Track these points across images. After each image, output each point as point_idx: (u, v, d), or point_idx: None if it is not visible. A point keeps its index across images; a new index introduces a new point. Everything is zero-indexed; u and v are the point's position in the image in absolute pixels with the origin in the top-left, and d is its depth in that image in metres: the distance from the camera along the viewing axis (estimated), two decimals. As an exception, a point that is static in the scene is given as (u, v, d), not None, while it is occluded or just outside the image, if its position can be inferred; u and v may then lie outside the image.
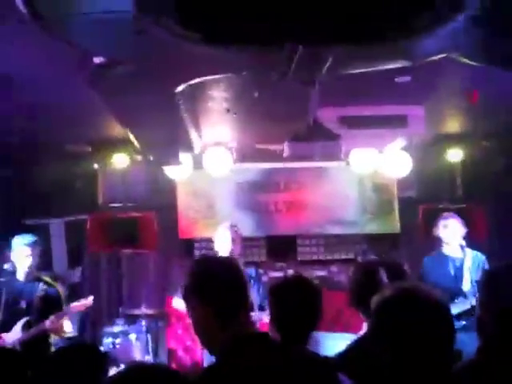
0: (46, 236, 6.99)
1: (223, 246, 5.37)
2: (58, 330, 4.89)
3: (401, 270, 3.04)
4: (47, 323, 4.75)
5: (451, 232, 5.33)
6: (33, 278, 4.96)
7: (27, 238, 4.92)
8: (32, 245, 4.90)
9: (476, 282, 5.12)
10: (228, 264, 2.21)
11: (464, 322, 4.59)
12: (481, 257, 5.34)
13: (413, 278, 4.93)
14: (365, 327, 2.91)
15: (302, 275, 2.91)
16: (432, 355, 1.78)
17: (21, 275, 4.93)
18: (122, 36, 3.30)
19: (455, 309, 4.67)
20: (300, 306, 2.61)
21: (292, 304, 2.63)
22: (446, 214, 5.51)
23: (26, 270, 4.89)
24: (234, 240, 5.36)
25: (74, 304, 5.06)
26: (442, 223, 5.39)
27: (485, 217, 6.41)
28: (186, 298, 2.14)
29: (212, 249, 5.64)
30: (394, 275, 2.91)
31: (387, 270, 2.95)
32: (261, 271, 6.06)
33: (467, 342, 2.26)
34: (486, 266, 5.26)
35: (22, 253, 4.88)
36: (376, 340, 1.85)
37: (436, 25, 2.97)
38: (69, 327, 5.12)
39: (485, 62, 3.52)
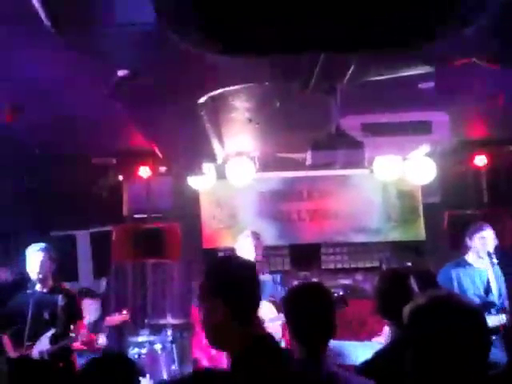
0: (72, 247, 7.07)
1: (245, 254, 5.35)
2: (92, 343, 4.93)
3: (431, 277, 3.01)
4: (80, 336, 4.78)
5: (488, 244, 5.19)
6: (53, 288, 4.98)
7: (38, 245, 4.96)
8: (43, 251, 4.92)
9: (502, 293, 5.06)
10: (246, 265, 2.24)
11: (494, 337, 4.49)
12: (498, 267, 5.23)
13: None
14: (386, 334, 2.88)
15: (315, 282, 2.88)
16: (465, 365, 1.74)
17: (39, 285, 4.93)
18: (144, 48, 3.34)
19: (489, 320, 4.57)
20: (313, 313, 2.57)
21: (305, 311, 2.59)
22: (480, 224, 5.35)
23: (40, 277, 4.89)
24: (256, 247, 5.35)
25: (110, 317, 5.08)
26: (478, 234, 5.22)
27: (512, 222, 6.32)
28: (203, 297, 2.14)
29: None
30: (424, 283, 2.88)
31: (417, 278, 2.92)
32: (286, 279, 6.06)
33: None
34: (501, 274, 5.18)
35: (32, 260, 4.90)
36: (407, 349, 1.82)
37: (459, 29, 2.94)
38: (103, 340, 5.13)
39: (508, 65, 3.48)
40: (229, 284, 2.10)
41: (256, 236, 5.44)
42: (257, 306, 2.16)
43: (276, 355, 2.05)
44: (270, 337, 2.15)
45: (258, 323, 2.16)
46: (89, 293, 6.18)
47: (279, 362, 2.02)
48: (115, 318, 5.05)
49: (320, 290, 2.70)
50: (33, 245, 4.98)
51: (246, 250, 5.36)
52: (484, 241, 5.19)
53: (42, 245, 4.97)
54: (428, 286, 2.76)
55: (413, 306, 1.86)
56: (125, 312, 5.09)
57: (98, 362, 2.58)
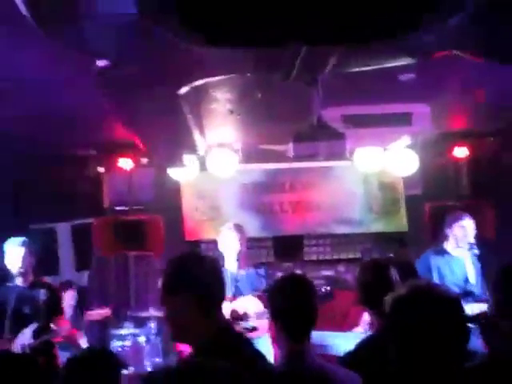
0: (52, 240, 7.01)
1: (228, 247, 5.32)
2: (73, 337, 4.90)
3: (411, 268, 3.04)
4: (61, 330, 4.75)
5: (468, 232, 5.23)
6: (34, 283, 4.92)
7: (18, 239, 4.89)
8: (23, 245, 4.86)
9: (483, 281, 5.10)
10: (208, 259, 2.30)
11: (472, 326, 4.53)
12: (472, 253, 5.27)
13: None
14: (365, 322, 2.91)
15: (298, 274, 2.91)
16: (446, 354, 1.76)
17: (19, 280, 4.88)
18: (124, 38, 3.31)
19: (468, 309, 4.62)
20: (294, 303, 2.60)
21: (286, 302, 2.61)
22: (459, 213, 5.39)
23: (21, 272, 4.84)
24: (240, 240, 5.27)
25: (90, 312, 5.05)
26: (458, 223, 5.26)
27: (493, 213, 6.38)
28: (166, 294, 2.20)
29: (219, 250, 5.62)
30: (404, 274, 2.90)
31: (398, 269, 2.94)
32: (270, 271, 6.04)
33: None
34: (477, 262, 5.23)
35: (13, 254, 4.83)
36: (390, 338, 1.84)
37: (439, 21, 2.95)
38: (83, 340, 5.10)
39: (488, 58, 3.50)
40: (191, 279, 2.14)
41: (239, 228, 5.37)
42: (220, 299, 2.22)
43: (239, 346, 2.12)
44: (232, 329, 2.26)
45: (222, 317, 2.23)
46: (70, 284, 6.15)
47: (242, 353, 2.07)
48: (95, 313, 5.03)
49: (302, 281, 2.72)
50: (12, 239, 4.91)
51: (229, 242, 5.30)
52: (464, 230, 5.23)
53: (22, 239, 4.91)
54: (408, 277, 2.78)
55: (394, 296, 1.89)
56: (106, 310, 5.06)
57: (79, 360, 2.57)
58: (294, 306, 2.57)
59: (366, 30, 2.74)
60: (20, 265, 4.83)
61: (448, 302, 1.83)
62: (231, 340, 2.16)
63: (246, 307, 5.02)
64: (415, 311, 1.80)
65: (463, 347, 1.80)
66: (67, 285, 6.10)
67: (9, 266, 4.88)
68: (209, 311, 2.14)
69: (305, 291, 2.64)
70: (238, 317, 4.94)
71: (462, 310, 1.85)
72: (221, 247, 5.38)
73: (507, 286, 2.29)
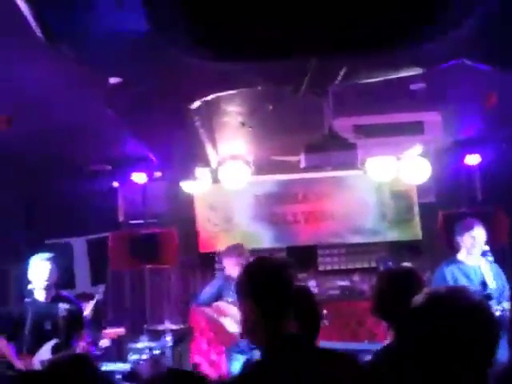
0: (68, 255, 7.08)
1: (232, 274, 5.30)
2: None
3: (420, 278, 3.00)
4: (78, 348, 4.77)
5: (479, 241, 5.18)
6: (54, 297, 4.95)
7: (45, 255, 4.94)
8: (50, 260, 4.90)
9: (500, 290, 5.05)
10: (278, 266, 2.33)
11: None
12: (496, 266, 5.24)
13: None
14: (389, 336, 2.89)
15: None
16: (466, 364, 1.70)
17: (41, 294, 4.90)
18: (135, 55, 3.36)
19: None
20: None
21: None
22: (470, 221, 5.33)
23: (45, 287, 4.87)
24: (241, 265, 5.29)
25: (107, 331, 5.08)
26: (468, 233, 5.18)
27: (507, 220, 6.33)
28: (239, 295, 2.31)
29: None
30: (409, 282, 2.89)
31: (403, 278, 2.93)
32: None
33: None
34: (501, 271, 5.19)
35: (40, 268, 4.86)
36: (408, 350, 1.79)
37: (447, 30, 2.97)
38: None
39: (496, 66, 3.51)
40: (259, 286, 2.22)
41: (240, 251, 5.45)
42: (287, 306, 2.26)
43: (303, 353, 2.18)
44: (299, 336, 2.30)
45: (290, 323, 2.26)
46: (86, 297, 6.18)
47: (306, 360, 2.14)
48: (112, 332, 5.06)
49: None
50: (39, 254, 4.95)
51: (232, 269, 5.35)
52: (474, 239, 5.18)
53: (48, 254, 4.95)
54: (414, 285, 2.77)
55: (411, 307, 1.83)
56: (122, 328, 5.11)
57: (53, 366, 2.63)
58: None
59: (371, 39, 2.77)
60: (46, 279, 4.86)
61: (469, 309, 1.72)
62: (293, 349, 2.22)
63: None
64: (432, 320, 1.70)
65: (487, 355, 1.70)
66: (84, 297, 6.13)
67: (34, 281, 4.91)
68: (272, 319, 2.21)
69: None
70: None
71: (490, 314, 1.75)
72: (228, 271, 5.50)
73: None
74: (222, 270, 5.90)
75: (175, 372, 1.83)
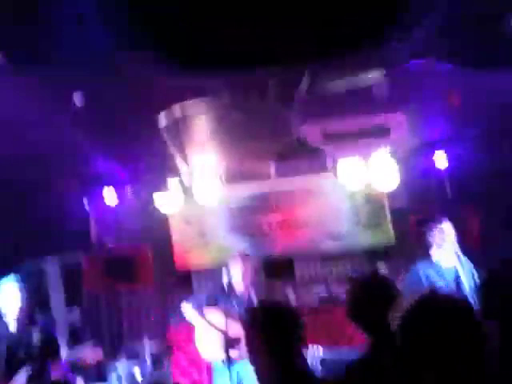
0: (41, 278, 6.95)
1: (237, 284, 5.09)
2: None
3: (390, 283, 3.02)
4: (54, 375, 4.65)
5: (448, 234, 5.18)
6: (27, 324, 4.75)
7: (12, 279, 4.62)
8: (20, 283, 4.61)
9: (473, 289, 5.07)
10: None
11: None
12: (469, 264, 5.24)
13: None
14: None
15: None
16: (460, 363, 1.71)
17: (13, 322, 4.62)
18: (98, 72, 3.34)
19: None
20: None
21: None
22: (437, 217, 5.36)
23: (17, 313, 4.59)
24: (244, 274, 5.04)
25: (82, 355, 4.95)
26: (436, 229, 5.25)
27: (478, 222, 6.40)
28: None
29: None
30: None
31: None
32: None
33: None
34: (475, 273, 5.19)
35: (10, 293, 4.57)
36: (403, 354, 1.79)
37: (408, 29, 3.02)
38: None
39: (457, 64, 3.58)
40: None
41: (244, 258, 5.13)
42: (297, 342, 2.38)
43: None
44: None
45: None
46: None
47: None
48: (88, 357, 4.95)
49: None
50: (7, 278, 4.71)
51: (236, 278, 5.06)
52: (443, 233, 5.18)
53: (16, 279, 4.72)
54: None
55: (400, 314, 1.84)
56: (99, 352, 5.01)
57: None
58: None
59: (333, 44, 2.80)
60: (16, 305, 4.63)
61: (455, 309, 1.77)
62: None
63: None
64: (421, 324, 1.74)
65: (478, 354, 1.73)
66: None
67: (3, 308, 4.70)
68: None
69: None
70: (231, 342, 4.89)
71: (472, 315, 1.78)
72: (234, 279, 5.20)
73: (489, 290, 2.31)
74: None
75: None
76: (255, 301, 5.02)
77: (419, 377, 1.74)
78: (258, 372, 2.36)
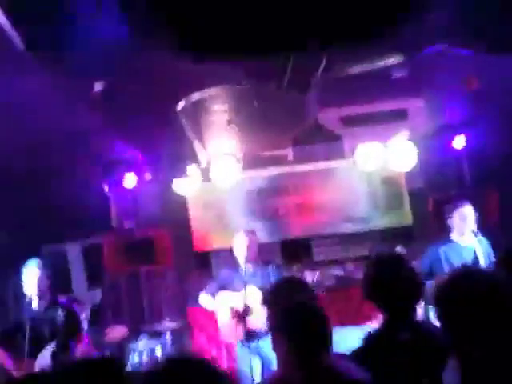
0: (64, 261, 7.09)
1: (239, 254, 5.43)
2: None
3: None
4: (78, 351, 4.79)
5: (468, 220, 5.22)
6: (50, 303, 4.95)
7: (34, 261, 4.91)
8: (39, 267, 4.87)
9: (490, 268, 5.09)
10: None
11: None
12: (486, 241, 5.28)
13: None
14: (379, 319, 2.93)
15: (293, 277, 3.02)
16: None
17: (37, 301, 4.87)
18: (117, 59, 3.39)
19: None
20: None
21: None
22: (458, 201, 5.37)
23: (39, 293, 4.84)
24: (248, 247, 5.37)
25: (110, 333, 5.09)
26: (457, 211, 5.25)
27: (496, 196, 6.38)
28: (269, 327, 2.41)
29: (229, 258, 5.69)
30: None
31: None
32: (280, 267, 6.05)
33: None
34: (492, 253, 5.22)
35: (30, 276, 4.85)
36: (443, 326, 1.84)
37: (421, 14, 3.01)
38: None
39: (474, 50, 3.56)
40: (288, 322, 2.29)
41: (249, 234, 5.46)
42: (321, 343, 2.32)
43: None
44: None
45: (324, 358, 2.31)
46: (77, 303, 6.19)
47: None
48: (115, 335, 5.08)
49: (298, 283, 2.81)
50: (29, 261, 4.96)
51: (239, 249, 5.41)
52: (464, 217, 5.22)
53: (37, 261, 4.95)
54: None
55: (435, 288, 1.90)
56: (123, 328, 5.13)
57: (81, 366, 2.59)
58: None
59: (347, 30, 2.81)
60: (36, 287, 4.86)
61: (495, 282, 1.85)
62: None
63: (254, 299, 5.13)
64: (458, 296, 1.83)
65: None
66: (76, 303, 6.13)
67: (27, 289, 4.92)
68: (304, 354, 2.30)
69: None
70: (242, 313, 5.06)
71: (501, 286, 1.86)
72: (235, 252, 5.49)
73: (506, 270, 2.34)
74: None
75: (175, 360, 1.80)
76: (261, 275, 5.31)
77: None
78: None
